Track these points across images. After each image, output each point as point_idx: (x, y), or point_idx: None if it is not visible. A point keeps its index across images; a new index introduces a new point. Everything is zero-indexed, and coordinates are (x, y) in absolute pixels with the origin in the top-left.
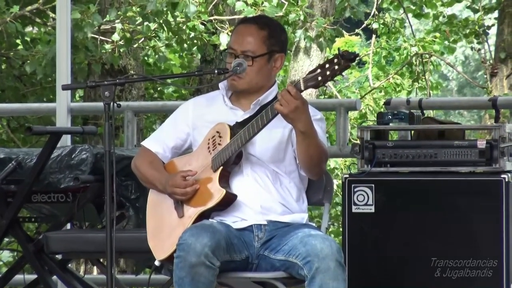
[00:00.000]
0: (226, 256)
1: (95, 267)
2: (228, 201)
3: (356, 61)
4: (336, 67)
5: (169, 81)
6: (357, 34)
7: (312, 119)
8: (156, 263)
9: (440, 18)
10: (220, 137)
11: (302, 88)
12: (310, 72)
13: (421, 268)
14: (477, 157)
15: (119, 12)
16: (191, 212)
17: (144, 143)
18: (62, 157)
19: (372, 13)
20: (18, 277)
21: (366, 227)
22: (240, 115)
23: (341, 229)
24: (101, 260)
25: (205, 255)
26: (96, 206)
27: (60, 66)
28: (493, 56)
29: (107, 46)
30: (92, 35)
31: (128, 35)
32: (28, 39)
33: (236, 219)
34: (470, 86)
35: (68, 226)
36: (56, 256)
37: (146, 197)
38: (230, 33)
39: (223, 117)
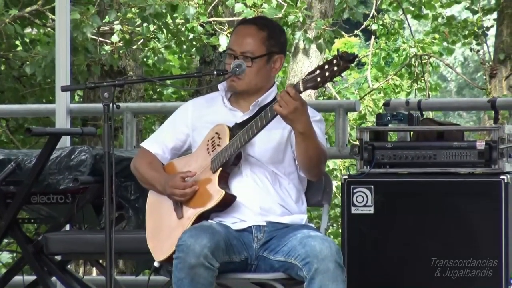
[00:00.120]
0: (225, 257)
1: (94, 268)
2: (227, 202)
3: (355, 62)
4: (335, 68)
5: (168, 82)
6: (356, 35)
7: (311, 120)
8: (155, 264)
9: (439, 19)
10: (219, 138)
11: (301, 89)
12: (309, 73)
13: (421, 268)
14: (476, 158)
15: (118, 14)
16: (190, 213)
17: (144, 144)
18: (61, 158)
19: (371, 14)
20: (18, 278)
21: (365, 228)
22: (239, 116)
23: (340, 230)
24: (101, 261)
25: (204, 256)
26: (95, 207)
27: (60, 67)
28: (492, 57)
29: (107, 48)
30: (92, 37)
31: (127, 36)
32: (27, 40)
33: (235, 220)
34: (469, 87)
35: (67, 227)
36: (56, 257)
37: (146, 198)
38: (229, 35)
39: (222, 118)
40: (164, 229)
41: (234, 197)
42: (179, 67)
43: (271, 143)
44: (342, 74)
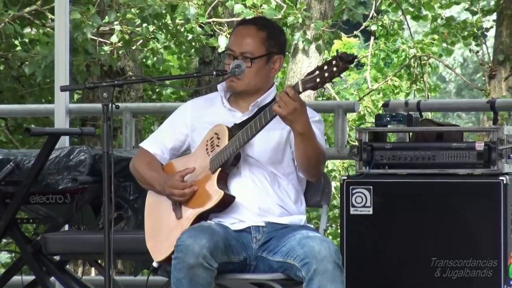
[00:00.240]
0: (224, 258)
1: (93, 268)
2: (226, 203)
3: (354, 63)
4: (335, 69)
5: (167, 82)
6: (355, 36)
7: (310, 121)
8: (154, 264)
9: (439, 20)
10: (218, 138)
11: (301, 89)
12: (309, 74)
13: (421, 268)
14: (475, 159)
15: (118, 14)
16: (189, 213)
17: (143, 144)
18: (60, 158)
19: (370, 15)
20: (16, 278)
21: (364, 228)
22: (238, 116)
23: (339, 231)
24: (99, 261)
25: (203, 256)
26: (94, 208)
27: (59, 67)
28: (491, 58)
29: (106, 48)
30: (91, 37)
31: (126, 37)
32: (27, 40)
33: (234, 221)
34: (468, 88)
35: (66, 227)
36: (54, 257)
37: (145, 199)
38: (228, 35)
39: (222, 119)
40: (163, 229)
41: (233, 198)
42: (178, 68)
43: (270, 143)
44: (341, 75)
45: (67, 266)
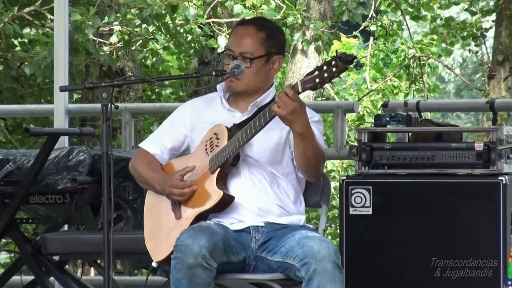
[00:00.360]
0: (223, 258)
1: (92, 268)
2: (226, 203)
3: (353, 63)
4: (334, 69)
5: (166, 82)
6: (354, 37)
7: (310, 121)
8: (154, 264)
9: (438, 21)
10: (217, 138)
11: (300, 90)
12: (308, 74)
13: (420, 268)
14: (475, 159)
15: (118, 15)
16: (189, 213)
17: (142, 144)
18: (59, 158)
19: (369, 16)
20: (16, 278)
21: (363, 229)
22: (237, 117)
23: (338, 231)
24: (99, 261)
25: (202, 256)
26: (93, 208)
27: (58, 67)
28: (490, 58)
29: (105, 48)
30: (92, 38)
31: (126, 37)
32: (26, 40)
33: (233, 221)
34: (467, 88)
35: (66, 227)
36: (54, 257)
37: (144, 199)
38: (228, 36)
39: (221, 119)
40: (163, 229)
41: (232, 198)
42: (178, 68)
43: (270, 144)
44: (341, 75)
45: (66, 266)
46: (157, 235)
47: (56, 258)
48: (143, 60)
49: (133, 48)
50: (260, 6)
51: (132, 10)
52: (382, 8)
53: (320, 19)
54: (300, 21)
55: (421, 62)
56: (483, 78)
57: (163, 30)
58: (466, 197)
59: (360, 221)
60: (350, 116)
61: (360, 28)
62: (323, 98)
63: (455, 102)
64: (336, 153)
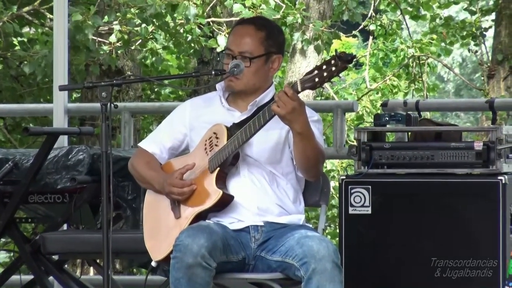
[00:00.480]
0: (222, 257)
1: (91, 268)
2: (225, 202)
3: (353, 63)
4: (333, 68)
5: (166, 82)
6: (354, 36)
7: (309, 120)
8: (153, 263)
9: (437, 20)
10: (217, 138)
11: (299, 89)
12: (307, 74)
13: (419, 268)
14: (474, 159)
15: (118, 14)
16: (188, 213)
17: (141, 144)
18: (59, 157)
19: (369, 15)
20: (15, 277)
21: (363, 228)
22: (237, 116)
23: (338, 231)
24: (98, 260)
25: (201, 256)
26: (92, 207)
27: (57, 66)
28: (490, 58)
29: (105, 48)
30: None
31: (125, 36)
32: (25, 40)
33: (232, 220)
34: (467, 88)
35: (65, 226)
36: (53, 256)
37: (143, 198)
38: (227, 35)
39: (220, 118)
40: (162, 229)
41: (231, 197)
42: (177, 67)
43: (269, 143)
44: (340, 74)
45: (66, 266)
46: (156, 235)
47: (55, 257)
48: (142, 60)
49: (132, 48)
50: (260, 5)
51: (132, 9)
52: (382, 7)
53: (320, 19)
54: (299, 20)
55: (421, 62)
56: (482, 78)
57: (163, 30)
58: (466, 197)
59: (359, 221)
60: (350, 116)
61: (360, 28)
62: (323, 98)
63: (455, 101)
64: (335, 152)
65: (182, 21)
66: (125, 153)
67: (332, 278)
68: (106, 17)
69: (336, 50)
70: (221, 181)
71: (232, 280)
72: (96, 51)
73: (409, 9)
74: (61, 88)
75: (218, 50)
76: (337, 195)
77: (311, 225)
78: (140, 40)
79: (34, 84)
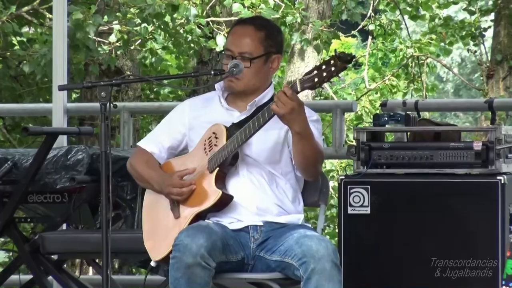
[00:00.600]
0: (222, 257)
1: (90, 268)
2: (224, 202)
3: (352, 63)
4: (333, 68)
5: (165, 82)
6: (353, 36)
7: (308, 120)
8: (152, 264)
9: (436, 20)
10: (216, 138)
11: (299, 89)
12: (307, 74)
13: (418, 268)
14: (473, 159)
15: (118, 14)
16: (187, 213)
17: (140, 143)
18: (58, 157)
19: (368, 15)
20: (14, 277)
21: (361, 228)
22: (236, 116)
23: (337, 231)
24: (97, 260)
25: (201, 255)
26: (92, 207)
27: (57, 66)
28: (489, 58)
29: (104, 47)
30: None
31: (125, 36)
32: (25, 39)
33: (232, 220)
34: (466, 88)
35: (64, 226)
36: (52, 256)
37: (142, 198)
38: (226, 35)
39: (219, 118)
40: (161, 229)
41: (231, 197)
42: (176, 67)
43: (268, 143)
44: (339, 74)
45: (65, 265)
46: (155, 235)
47: (55, 257)
48: (142, 60)
49: (132, 48)
50: (259, 5)
51: (131, 9)
52: (381, 7)
53: (319, 19)
54: (299, 20)
55: (420, 62)
56: (481, 78)
57: (162, 30)
58: (465, 197)
59: (358, 221)
60: (349, 116)
61: (359, 28)
62: (322, 98)
63: (454, 101)
64: (334, 152)
65: (182, 21)
66: (124, 153)
67: (331, 278)
68: (106, 16)
69: (335, 50)
70: (220, 181)
71: (231, 280)
72: (96, 50)
73: (408, 9)
74: (61, 88)
75: (218, 50)
76: (336, 195)
77: (310, 225)
78: (140, 40)
79: (33, 84)
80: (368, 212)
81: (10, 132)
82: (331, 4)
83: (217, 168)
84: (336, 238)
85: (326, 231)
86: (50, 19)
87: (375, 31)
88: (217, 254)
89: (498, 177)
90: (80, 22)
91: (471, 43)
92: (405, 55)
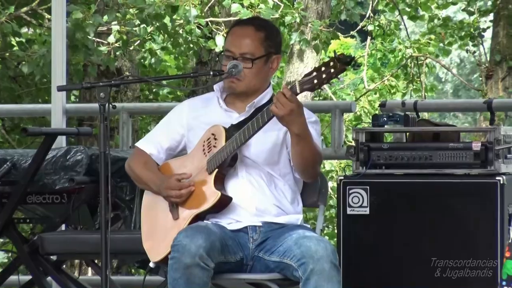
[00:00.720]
0: (220, 258)
1: (89, 268)
2: (223, 204)
3: (351, 64)
4: (332, 70)
5: (164, 82)
6: (352, 36)
7: (307, 122)
8: (151, 264)
9: (435, 21)
10: (215, 139)
11: (298, 91)
12: (306, 75)
13: (418, 268)
14: (472, 159)
15: (117, 14)
16: (186, 214)
17: (138, 144)
18: (57, 158)
19: (367, 15)
20: (13, 278)
21: (361, 229)
22: (235, 117)
23: (336, 231)
24: (96, 261)
25: (199, 256)
26: (91, 208)
27: (55, 67)
28: (488, 58)
29: (103, 48)
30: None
31: (124, 37)
32: (23, 40)
33: (231, 221)
34: (465, 88)
35: (63, 227)
36: (51, 257)
37: (141, 199)
38: (225, 35)
39: (218, 119)
40: (160, 230)
41: (230, 199)
42: (175, 67)
43: (267, 144)
44: (338, 76)
45: (64, 266)
46: (154, 236)
47: (54, 258)
48: (141, 60)
49: (131, 48)
50: (258, 5)
51: (131, 10)
52: (380, 7)
53: (318, 19)
54: (298, 20)
55: (419, 62)
56: (480, 78)
57: (161, 31)
58: (464, 197)
59: (357, 221)
60: (348, 116)
61: (358, 28)
62: (321, 98)
63: (453, 102)
64: (333, 153)
65: (181, 21)
66: (123, 154)
67: (330, 279)
68: (105, 17)
69: (334, 52)
70: (219, 182)
71: (230, 280)
72: (96, 50)
73: (407, 9)
74: (59, 89)
75: (217, 50)
76: (335, 195)
77: (309, 226)
78: (139, 41)
79: (32, 85)
80: (367, 212)
81: (9, 133)
82: (330, 4)
83: (216, 169)
84: (335, 239)
85: (325, 231)
86: (49, 20)
87: (374, 32)
88: (215, 254)
89: (497, 178)
90: (80, 21)
91: (470, 43)
92: (404, 55)
